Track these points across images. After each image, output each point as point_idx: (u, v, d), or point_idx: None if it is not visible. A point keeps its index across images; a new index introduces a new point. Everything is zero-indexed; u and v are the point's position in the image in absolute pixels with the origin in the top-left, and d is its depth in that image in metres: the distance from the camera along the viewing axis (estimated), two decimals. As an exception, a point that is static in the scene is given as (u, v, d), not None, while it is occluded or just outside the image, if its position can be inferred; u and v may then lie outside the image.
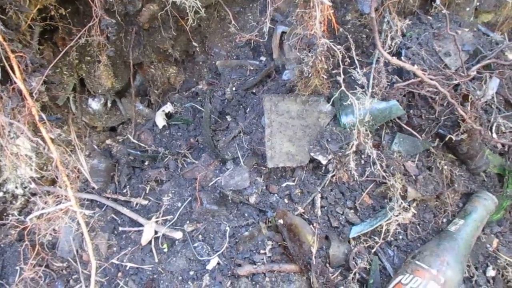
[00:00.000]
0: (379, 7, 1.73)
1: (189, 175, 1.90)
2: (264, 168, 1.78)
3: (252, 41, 1.98)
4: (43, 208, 1.50)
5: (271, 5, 1.78)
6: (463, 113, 1.55)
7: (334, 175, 1.74)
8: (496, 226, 1.78)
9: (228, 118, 1.97)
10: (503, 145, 1.76)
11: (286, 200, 1.77)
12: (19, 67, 1.34)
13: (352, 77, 1.69)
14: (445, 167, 1.74)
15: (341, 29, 1.81)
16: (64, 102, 2.08)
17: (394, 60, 1.52)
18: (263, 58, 2.07)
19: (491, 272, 1.70)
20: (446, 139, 1.67)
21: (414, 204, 1.73)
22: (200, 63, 2.18)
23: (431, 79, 1.60)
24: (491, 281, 1.69)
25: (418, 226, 1.74)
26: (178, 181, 1.93)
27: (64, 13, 1.65)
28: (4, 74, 1.36)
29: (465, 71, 1.69)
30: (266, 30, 1.75)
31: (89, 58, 1.99)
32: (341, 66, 1.54)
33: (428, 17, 1.92)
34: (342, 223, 1.73)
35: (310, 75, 1.63)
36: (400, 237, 1.73)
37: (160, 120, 2.11)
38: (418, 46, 1.76)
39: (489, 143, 1.76)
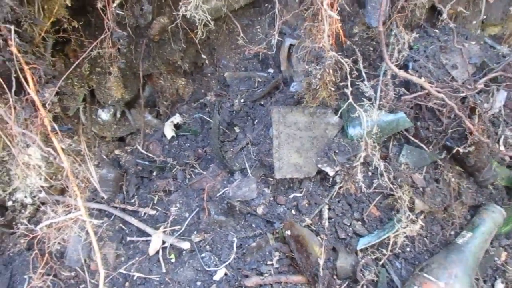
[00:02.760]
0: (386, 21, 1.75)
1: (197, 186, 1.92)
2: (271, 179, 1.79)
3: (260, 53, 2.01)
4: (53, 217, 1.51)
5: (279, 18, 1.81)
6: (470, 126, 1.56)
7: (341, 187, 1.75)
8: (504, 239, 1.77)
9: (236, 129, 1.99)
10: (510, 157, 1.76)
11: (293, 211, 1.78)
12: (32, 79, 1.37)
13: (360, 90, 1.71)
14: (453, 179, 1.74)
15: (348, 42, 1.83)
16: (74, 112, 2.11)
17: (402, 73, 1.54)
18: (271, 70, 2.09)
19: (499, 286, 1.69)
20: (454, 151, 1.67)
21: (422, 216, 1.72)
22: (209, 74, 2.21)
23: (438, 91, 1.61)
24: (500, 294, 1.69)
25: (425, 239, 1.74)
26: (186, 191, 1.94)
27: (76, 26, 1.68)
28: (17, 85, 1.39)
29: (472, 83, 1.70)
30: (274, 42, 1.78)
31: (99, 69, 2.02)
32: (349, 79, 1.55)
33: (435, 30, 1.93)
34: (349, 234, 1.74)
35: (318, 87, 1.64)
36: (408, 249, 1.73)
37: (169, 131, 2.13)
38: (425, 59, 1.77)
39: (497, 156, 1.75)
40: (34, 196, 1.93)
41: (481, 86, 1.69)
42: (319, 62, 1.53)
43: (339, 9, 1.52)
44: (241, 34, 1.94)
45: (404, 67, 1.77)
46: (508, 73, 1.78)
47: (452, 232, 1.75)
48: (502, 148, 1.77)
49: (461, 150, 1.63)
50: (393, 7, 1.78)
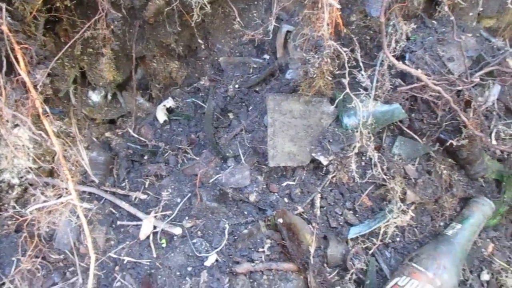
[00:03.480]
0: (386, 11, 1.73)
1: (189, 171, 1.90)
2: (265, 167, 1.79)
3: (256, 38, 1.98)
4: (44, 201, 1.49)
5: (276, 3, 1.79)
6: (465, 119, 1.57)
7: (334, 176, 1.75)
8: (492, 231, 1.80)
9: (230, 115, 1.97)
10: (502, 151, 1.78)
11: (286, 199, 1.78)
12: (24, 59, 1.33)
13: (356, 79, 1.70)
14: (444, 171, 1.76)
15: (345, 31, 1.81)
16: (64, 93, 2.07)
17: (401, 65, 1.53)
18: (266, 56, 2.06)
19: (485, 276, 1.73)
20: (447, 144, 1.68)
21: (413, 207, 1.74)
22: (203, 58, 2.17)
23: (435, 84, 1.61)
24: (485, 285, 1.72)
25: (415, 229, 1.76)
26: (178, 176, 1.93)
27: (69, 5, 1.63)
28: (8, 66, 1.35)
29: (468, 77, 1.70)
30: (271, 28, 1.75)
31: (91, 50, 1.97)
32: (347, 69, 1.54)
33: (433, 21, 1.92)
34: (341, 223, 1.75)
35: (315, 76, 1.63)
36: (398, 239, 1.75)
37: (161, 115, 2.11)
38: (422, 50, 1.76)
39: (489, 149, 1.77)
40: (21, 177, 1.90)
41: (477, 80, 1.69)
42: (317, 51, 1.51)
43: (338, -3, 1.50)
44: (237, 19, 1.91)
45: (401, 58, 1.76)
46: (504, 67, 1.78)
47: (442, 223, 1.77)
48: (494, 142, 1.78)
49: (455, 143, 1.64)
50: (393, -4, 1.76)
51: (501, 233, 1.80)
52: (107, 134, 2.21)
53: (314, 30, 1.50)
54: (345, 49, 1.49)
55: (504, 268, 1.74)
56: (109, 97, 2.24)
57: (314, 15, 1.49)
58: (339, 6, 1.38)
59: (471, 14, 2.12)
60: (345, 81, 1.54)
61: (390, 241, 1.73)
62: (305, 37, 1.58)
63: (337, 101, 1.65)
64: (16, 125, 1.60)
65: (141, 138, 2.12)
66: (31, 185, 1.97)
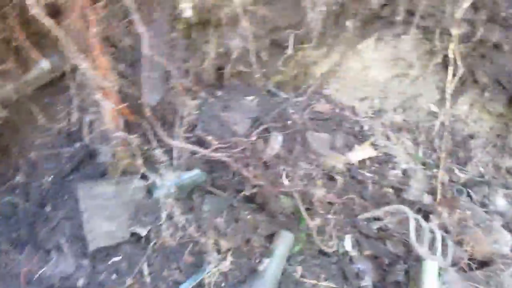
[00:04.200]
0: (171, 90, 2.01)
1: (14, 271, 1.90)
2: (88, 251, 1.89)
3: (64, 129, 2.10)
4: None
5: (76, 96, 1.96)
6: (247, 174, 1.89)
7: (156, 243, 1.93)
8: (298, 256, 2.13)
9: (48, 207, 2.03)
10: (290, 190, 2.14)
11: (114, 276, 1.88)
12: None
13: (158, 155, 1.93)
14: (249, 216, 2.05)
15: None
16: None
17: (188, 146, 1.81)
18: (77, 144, 2.17)
19: (300, 297, 2.04)
20: (244, 193, 1.99)
21: (230, 253, 1.99)
22: (16, 154, 2.20)
23: (222, 147, 1.92)
24: (301, 305, 2.03)
25: (235, 272, 1.99)
26: (3, 279, 1.90)
27: None
28: None
29: (250, 135, 2.05)
30: (75, 118, 1.92)
31: None
32: (153, 146, 1.77)
33: (220, 90, 2.27)
34: (170, 284, 1.91)
35: (118, 159, 1.82)
36: (222, 284, 1.96)
37: (-23, 219, 2.07)
38: (211, 118, 2.08)
39: (280, 190, 2.12)
40: None
41: (257, 136, 2.05)
42: (109, 141, 1.71)
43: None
44: (42, 114, 2.02)
45: (194, 128, 2.05)
46: (278, 122, 2.19)
47: (257, 261, 2.05)
48: (286, 182, 2.15)
49: (247, 193, 1.96)
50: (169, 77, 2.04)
51: (305, 256, 2.14)
52: None
53: (102, 123, 1.70)
54: (134, 136, 1.72)
55: (315, 284, 2.08)
56: None
57: (100, 111, 1.69)
58: (114, 107, 1.60)
59: (257, 75, 2.50)
60: (141, 161, 1.76)
61: (216, 287, 1.95)
62: (100, 127, 1.77)
63: (143, 175, 1.86)
64: None
65: (-41, 247, 2.04)
66: None
